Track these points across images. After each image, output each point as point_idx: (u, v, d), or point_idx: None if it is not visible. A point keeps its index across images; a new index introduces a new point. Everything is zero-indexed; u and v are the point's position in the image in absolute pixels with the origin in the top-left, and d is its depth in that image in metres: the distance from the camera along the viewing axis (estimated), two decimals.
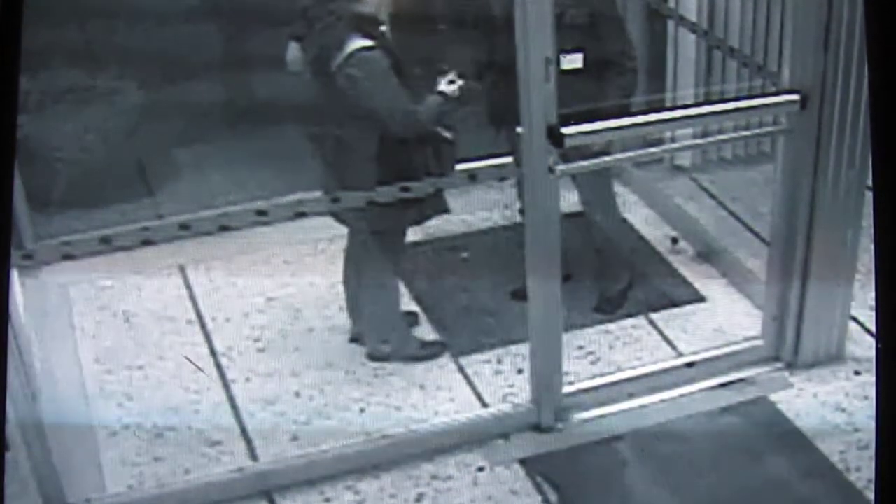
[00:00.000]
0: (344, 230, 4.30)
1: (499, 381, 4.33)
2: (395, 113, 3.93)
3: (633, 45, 4.55)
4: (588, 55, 4.11)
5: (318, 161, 4.12)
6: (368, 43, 3.89)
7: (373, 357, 4.41)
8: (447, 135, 4.04)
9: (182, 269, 4.91)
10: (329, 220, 4.18)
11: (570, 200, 4.47)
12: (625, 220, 5.05)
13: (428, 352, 4.45)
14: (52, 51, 4.36)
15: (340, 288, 4.47)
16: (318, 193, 3.97)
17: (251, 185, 4.92)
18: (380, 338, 4.41)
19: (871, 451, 3.06)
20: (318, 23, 3.93)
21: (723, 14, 5.18)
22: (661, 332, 4.56)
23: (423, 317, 4.67)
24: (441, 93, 3.98)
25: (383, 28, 3.96)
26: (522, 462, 3.97)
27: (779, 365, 4.34)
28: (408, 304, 4.65)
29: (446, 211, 4.21)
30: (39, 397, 3.49)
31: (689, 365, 4.30)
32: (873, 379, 3.06)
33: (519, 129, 3.75)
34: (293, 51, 4.16)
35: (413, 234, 4.49)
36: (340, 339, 4.52)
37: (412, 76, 4.02)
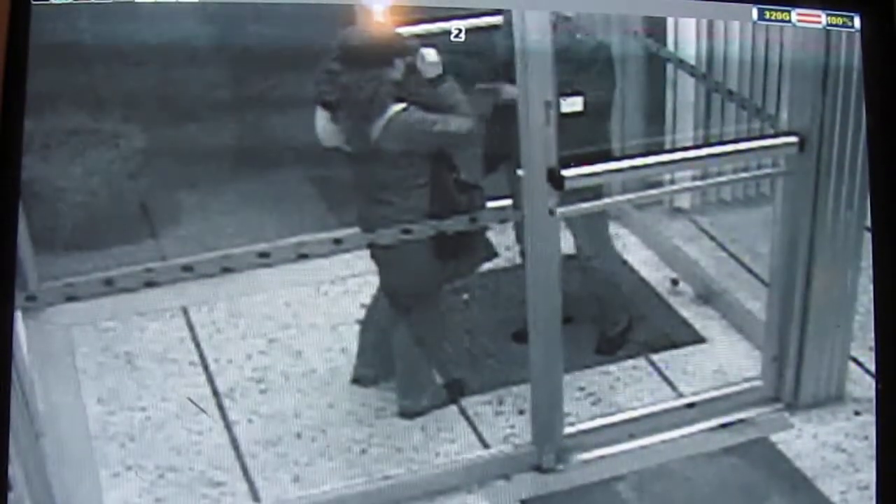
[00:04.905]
0: (344, 271, 4.32)
1: (500, 422, 4.33)
2: (445, 137, 4.04)
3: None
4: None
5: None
6: (402, 105, 4.01)
7: (404, 414, 4.38)
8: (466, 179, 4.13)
9: (185, 311, 4.91)
10: (329, 263, 4.20)
11: (570, 242, 4.50)
12: (624, 262, 5.06)
13: (452, 395, 4.45)
14: (57, 94, 4.38)
15: (342, 329, 4.48)
16: (319, 235, 4.00)
17: (254, 227, 4.93)
18: (413, 396, 4.40)
19: (872, 492, 3.07)
20: (355, 91, 4.00)
21: (721, 57, 5.21)
22: (661, 373, 4.56)
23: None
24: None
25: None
26: (524, 503, 3.97)
27: (779, 405, 4.35)
28: None
29: (495, 255, 4.27)
30: (42, 438, 3.49)
31: (690, 406, 4.31)
32: (873, 419, 3.07)
33: (519, 172, 3.79)
34: (323, 121, 4.18)
35: None
36: (342, 381, 4.52)
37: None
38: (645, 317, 4.88)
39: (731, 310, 4.88)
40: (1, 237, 2.86)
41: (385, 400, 4.43)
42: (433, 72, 4.04)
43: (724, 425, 4.27)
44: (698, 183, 4.82)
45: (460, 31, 3.89)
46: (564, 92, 4.01)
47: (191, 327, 4.84)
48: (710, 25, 4.96)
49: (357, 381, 4.50)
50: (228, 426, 4.32)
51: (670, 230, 5.46)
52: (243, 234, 4.69)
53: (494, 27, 4.23)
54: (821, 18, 3.35)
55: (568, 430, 4.15)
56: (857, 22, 3.26)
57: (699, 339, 4.78)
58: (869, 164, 3.15)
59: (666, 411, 4.29)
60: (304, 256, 3.83)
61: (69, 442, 4.07)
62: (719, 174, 4.82)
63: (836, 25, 3.36)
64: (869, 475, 3.71)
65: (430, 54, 4.03)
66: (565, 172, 3.82)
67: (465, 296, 5.03)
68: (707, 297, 5.03)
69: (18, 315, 3.48)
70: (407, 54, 4.03)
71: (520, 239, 4.43)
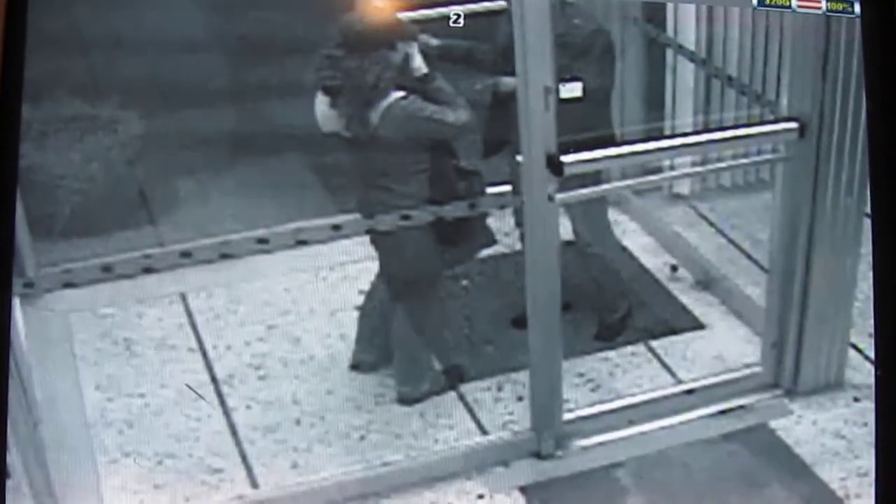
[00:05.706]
0: (343, 257, 4.31)
1: (499, 408, 4.33)
2: (443, 127, 4.06)
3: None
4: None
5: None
6: (402, 94, 4.02)
7: (403, 401, 4.38)
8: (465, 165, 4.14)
9: (183, 297, 4.91)
10: (328, 249, 4.19)
11: (569, 228, 4.49)
12: (624, 248, 5.06)
13: (451, 381, 4.45)
14: (54, 81, 4.37)
15: (341, 315, 4.48)
16: (318, 221, 4.00)
17: (252, 213, 4.92)
18: (412, 383, 4.40)
19: (871, 478, 3.07)
20: (358, 75, 4.00)
21: (721, 43, 5.20)
22: (660, 360, 4.56)
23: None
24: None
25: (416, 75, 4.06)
26: (522, 490, 3.97)
27: (778, 392, 4.34)
28: None
29: (494, 241, 4.28)
30: (40, 425, 3.49)
31: (689, 392, 4.31)
32: (872, 406, 3.07)
33: (519, 158, 3.78)
34: (323, 106, 4.17)
35: None
36: (341, 367, 4.52)
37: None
38: (644, 303, 4.87)
39: (730, 296, 4.88)
40: None
41: (384, 386, 4.43)
42: (419, 71, 4.04)
43: (723, 412, 4.27)
44: (698, 169, 4.81)
45: (458, 16, 3.88)
46: (564, 77, 4.00)
47: (189, 314, 4.84)
48: (710, 11, 4.96)
49: (356, 367, 4.50)
50: (227, 413, 4.32)
51: (670, 216, 5.45)
52: (242, 220, 4.68)
53: (493, 13, 4.23)
54: (821, 4, 3.34)
55: (567, 416, 4.15)
56: (856, 7, 3.25)
57: (698, 326, 4.78)
58: (869, 150, 3.14)
59: (665, 398, 4.29)
60: (302, 242, 3.83)
61: (67, 429, 4.06)
62: (719, 160, 4.81)
63: (836, 11, 3.35)
64: (868, 462, 3.71)
65: (416, 56, 4.04)
66: (564, 158, 3.82)
67: (465, 282, 5.02)
68: (706, 283, 5.02)
69: (16, 301, 3.47)
70: (409, 38, 4.03)
71: (519, 225, 4.43)
